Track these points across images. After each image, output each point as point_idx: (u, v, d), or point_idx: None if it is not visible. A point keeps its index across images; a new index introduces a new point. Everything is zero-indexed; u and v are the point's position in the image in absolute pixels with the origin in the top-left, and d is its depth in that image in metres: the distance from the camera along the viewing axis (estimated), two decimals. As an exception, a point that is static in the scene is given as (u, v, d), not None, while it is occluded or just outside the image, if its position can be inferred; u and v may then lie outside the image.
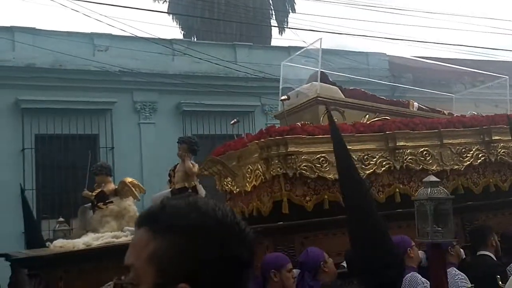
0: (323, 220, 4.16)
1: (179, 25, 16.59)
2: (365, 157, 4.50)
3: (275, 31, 16.63)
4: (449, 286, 3.65)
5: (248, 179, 4.55)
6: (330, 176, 4.30)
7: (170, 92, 11.56)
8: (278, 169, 4.19)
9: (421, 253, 4.01)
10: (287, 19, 16.66)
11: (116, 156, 10.61)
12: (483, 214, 4.67)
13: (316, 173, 4.28)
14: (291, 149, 4.19)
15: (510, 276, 3.71)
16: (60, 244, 4.24)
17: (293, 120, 4.87)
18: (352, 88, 5.48)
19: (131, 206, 4.54)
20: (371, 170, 4.50)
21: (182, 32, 16.50)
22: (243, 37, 14.64)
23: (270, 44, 15.18)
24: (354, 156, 4.42)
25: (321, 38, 4.95)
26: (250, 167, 4.51)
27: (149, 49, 11.17)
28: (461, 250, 4.13)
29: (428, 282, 3.67)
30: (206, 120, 11.56)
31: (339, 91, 5.14)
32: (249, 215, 4.64)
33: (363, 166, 4.48)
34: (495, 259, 4.04)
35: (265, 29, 16.02)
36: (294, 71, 5.88)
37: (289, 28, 16.13)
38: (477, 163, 4.92)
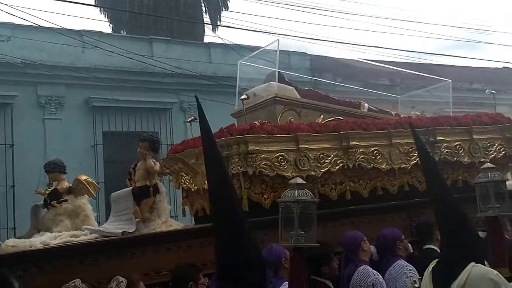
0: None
1: (107, 18, 16.02)
2: (321, 156, 4.67)
3: (208, 28, 16.43)
4: (398, 276, 3.92)
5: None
6: (288, 174, 4.44)
7: (79, 86, 11.05)
8: (239, 167, 4.29)
9: (372, 248, 4.25)
10: (220, 16, 16.52)
11: (17, 154, 10.13)
12: (428, 210, 4.95)
13: (275, 171, 4.41)
14: (251, 147, 4.30)
15: None
16: (12, 244, 4.13)
17: (250, 119, 4.96)
18: (306, 88, 5.65)
19: (86, 204, 4.50)
20: (326, 169, 4.68)
21: (111, 26, 15.99)
22: (174, 33, 14.36)
23: (203, 41, 15.00)
24: (310, 155, 4.62)
25: (278, 40, 5.07)
26: (209, 164, 4.55)
27: (58, 41, 10.60)
28: (409, 244, 4.39)
29: (379, 274, 3.91)
30: (119, 116, 11.16)
31: (295, 91, 5.29)
32: (211, 212, 4.71)
33: (319, 165, 4.65)
34: (439, 252, 4.33)
35: (198, 26, 15.81)
36: (248, 71, 5.96)
37: (222, 26, 16.05)
38: (422, 162, 5.20)
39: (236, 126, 4.89)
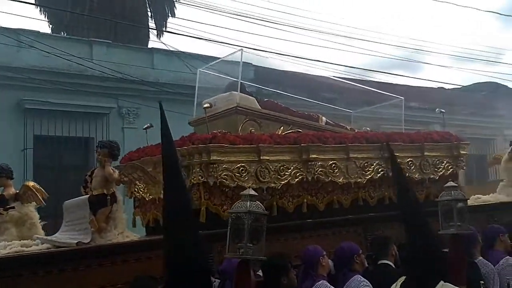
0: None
1: (47, 18, 15.43)
2: (281, 167, 4.67)
3: (153, 35, 16.06)
4: (354, 292, 3.94)
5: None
6: (248, 185, 4.38)
7: (12, 87, 10.57)
8: (199, 177, 4.20)
9: (329, 262, 4.26)
10: (165, 22, 16.30)
11: None
12: (382, 225, 5.06)
13: (236, 182, 4.35)
14: (213, 157, 4.22)
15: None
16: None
17: (210, 128, 4.88)
18: (266, 99, 5.65)
19: (33, 212, 4.31)
20: (286, 181, 4.67)
21: (51, 26, 15.40)
22: (118, 37, 14.06)
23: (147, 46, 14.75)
24: (271, 167, 4.60)
25: (242, 49, 5.04)
26: (167, 174, 4.43)
27: None
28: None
29: (337, 289, 3.93)
30: (52, 120, 10.72)
31: (256, 102, 5.27)
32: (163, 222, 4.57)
33: (279, 177, 4.64)
34: (394, 267, 4.41)
35: (143, 32, 15.57)
36: (207, 79, 5.89)
37: (167, 31, 15.78)
38: (377, 177, 5.31)
39: (190, 134, 4.80)
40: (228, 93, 5.13)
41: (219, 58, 12.90)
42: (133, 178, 3.86)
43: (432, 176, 5.74)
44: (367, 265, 4.42)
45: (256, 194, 3.05)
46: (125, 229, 3.78)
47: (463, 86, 19.82)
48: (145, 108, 11.91)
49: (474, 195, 6.29)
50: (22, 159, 10.57)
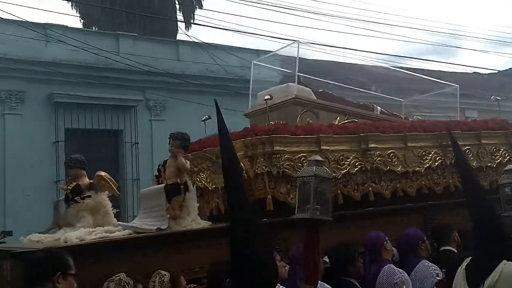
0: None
1: (78, 13, 15.77)
2: (341, 157, 4.73)
3: (182, 27, 16.15)
4: (425, 277, 4.01)
5: (225, 176, 4.60)
6: (310, 175, 4.48)
7: (41, 81, 10.77)
8: (263, 167, 4.32)
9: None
10: (193, 15, 16.36)
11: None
12: (441, 213, 5.06)
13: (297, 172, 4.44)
14: (276, 148, 4.33)
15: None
16: (37, 239, 4.10)
17: (265, 119, 4.98)
18: (320, 90, 5.72)
19: (106, 200, 4.48)
20: (346, 170, 4.74)
21: (82, 21, 15.74)
22: (147, 31, 14.25)
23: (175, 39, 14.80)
24: (331, 157, 4.68)
25: (298, 41, 5.13)
26: (230, 164, 4.57)
27: (20, 34, 10.30)
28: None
29: (405, 273, 4.00)
30: (82, 113, 10.92)
31: (312, 92, 5.35)
32: (226, 211, 4.74)
33: (338, 166, 4.71)
34: (457, 253, 4.44)
35: (171, 24, 15.67)
36: (262, 72, 6.01)
37: (195, 24, 15.98)
38: (435, 165, 5.31)
39: (253, 126, 4.91)
40: (285, 84, 5.24)
41: (246, 48, 13.02)
42: (202, 168, 4.01)
43: (489, 164, 5.70)
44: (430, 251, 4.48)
45: (322, 159, 3.21)
46: (197, 217, 3.95)
47: (499, 71, 19.34)
48: (172, 100, 12.15)
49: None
50: (54, 152, 10.84)
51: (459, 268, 3.26)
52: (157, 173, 4.07)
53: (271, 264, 2.72)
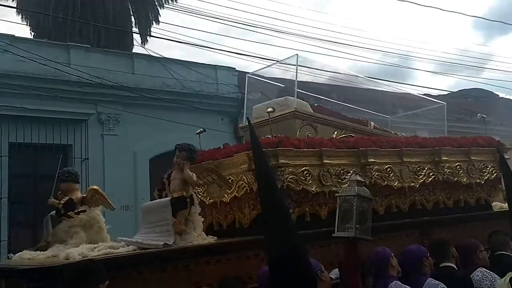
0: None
1: (28, 23, 15.21)
2: (341, 171, 4.69)
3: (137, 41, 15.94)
4: (432, 295, 3.97)
5: (227, 190, 4.50)
6: (312, 189, 4.43)
7: None
8: (268, 180, 4.21)
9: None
10: (150, 29, 16.17)
11: None
12: (437, 228, 5.09)
13: (301, 186, 4.38)
14: (281, 161, 4.25)
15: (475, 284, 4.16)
16: (28, 256, 3.87)
17: (262, 132, 4.91)
18: (316, 104, 5.70)
19: (99, 215, 4.31)
20: (346, 185, 4.68)
21: (32, 32, 15.15)
22: (101, 43, 13.93)
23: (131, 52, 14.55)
24: (332, 171, 4.63)
25: (297, 54, 5.09)
26: (232, 177, 4.47)
27: None
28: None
29: (412, 288, 3.95)
30: (28, 127, 10.34)
31: (309, 106, 5.32)
32: (228, 227, 4.61)
33: (339, 181, 4.66)
34: (457, 269, 4.44)
35: (127, 38, 15.46)
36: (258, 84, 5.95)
37: (151, 36, 15.68)
38: (428, 181, 5.35)
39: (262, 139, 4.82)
40: (283, 98, 5.18)
41: (203, 63, 12.94)
42: (208, 182, 3.89)
43: (478, 180, 5.79)
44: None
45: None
46: (202, 232, 3.81)
47: (451, 91, 20.10)
48: (126, 114, 11.80)
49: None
50: (-3, 167, 10.22)
51: (503, 280, 3.27)
52: (160, 186, 3.91)
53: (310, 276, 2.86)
